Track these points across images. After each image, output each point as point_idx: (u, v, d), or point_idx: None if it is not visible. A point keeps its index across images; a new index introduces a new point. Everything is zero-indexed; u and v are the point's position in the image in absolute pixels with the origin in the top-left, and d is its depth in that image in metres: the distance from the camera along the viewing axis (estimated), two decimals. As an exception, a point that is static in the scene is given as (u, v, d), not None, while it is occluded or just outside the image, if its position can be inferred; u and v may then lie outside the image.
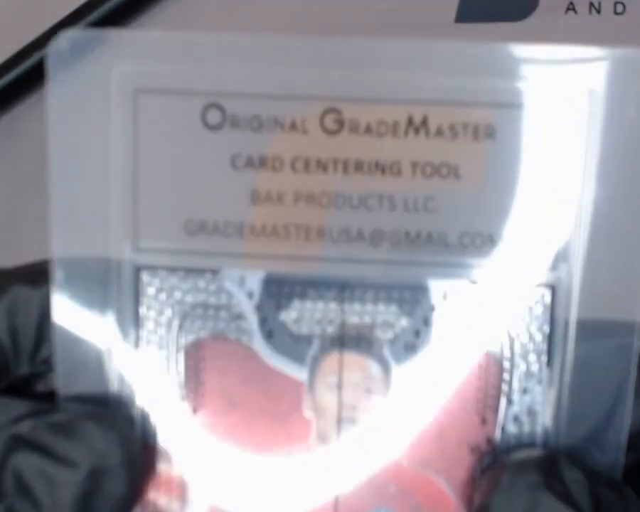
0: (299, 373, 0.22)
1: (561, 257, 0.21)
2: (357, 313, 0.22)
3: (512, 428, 0.22)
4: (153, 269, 0.22)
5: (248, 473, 0.22)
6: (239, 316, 0.22)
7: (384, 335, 0.22)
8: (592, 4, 0.45)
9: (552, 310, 0.21)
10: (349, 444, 0.22)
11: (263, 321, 0.22)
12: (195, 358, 0.22)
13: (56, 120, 0.21)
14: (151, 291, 0.22)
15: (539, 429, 0.22)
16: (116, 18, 0.39)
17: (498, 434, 0.22)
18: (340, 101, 0.21)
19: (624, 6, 0.46)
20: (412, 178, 0.21)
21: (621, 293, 0.21)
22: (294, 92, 0.21)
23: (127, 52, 0.21)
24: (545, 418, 0.22)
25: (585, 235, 0.21)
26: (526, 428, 0.22)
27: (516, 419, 0.22)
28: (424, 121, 0.21)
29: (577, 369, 0.21)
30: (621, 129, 0.20)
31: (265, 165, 0.21)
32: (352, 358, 0.22)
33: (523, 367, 0.21)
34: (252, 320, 0.22)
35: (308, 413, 0.22)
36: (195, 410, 0.22)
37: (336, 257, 0.21)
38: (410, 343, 0.22)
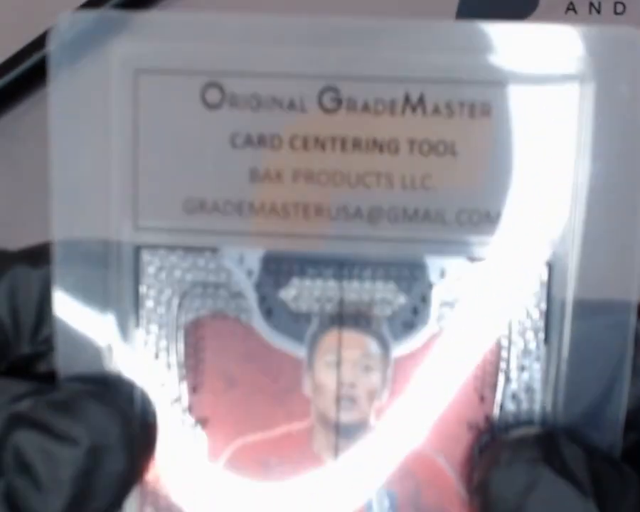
0: (298, 351, 0.22)
1: (558, 234, 0.21)
2: (355, 291, 0.22)
3: (510, 406, 0.22)
4: (153, 248, 0.22)
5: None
6: (238, 295, 0.22)
7: (382, 312, 0.22)
8: (591, 4, 0.46)
9: (549, 287, 0.21)
10: (346, 425, 0.22)
11: (262, 299, 0.22)
12: (194, 336, 0.22)
13: (57, 101, 0.21)
14: (151, 270, 0.22)
15: (537, 407, 0.22)
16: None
17: (496, 412, 0.22)
18: (339, 80, 0.21)
19: (624, 6, 0.46)
20: (409, 155, 0.21)
21: (618, 272, 0.21)
22: (293, 71, 0.21)
23: (127, 32, 0.21)
24: (543, 395, 0.22)
25: (581, 211, 0.21)
26: (524, 406, 0.22)
27: (514, 396, 0.22)
28: (421, 99, 0.21)
29: (575, 346, 0.21)
30: (614, 106, 0.21)
31: (264, 143, 0.21)
32: (351, 336, 0.22)
33: (520, 344, 0.22)
34: (252, 298, 0.22)
35: (307, 391, 0.22)
36: (194, 389, 0.22)
37: (334, 235, 0.21)
38: (408, 321, 0.22)
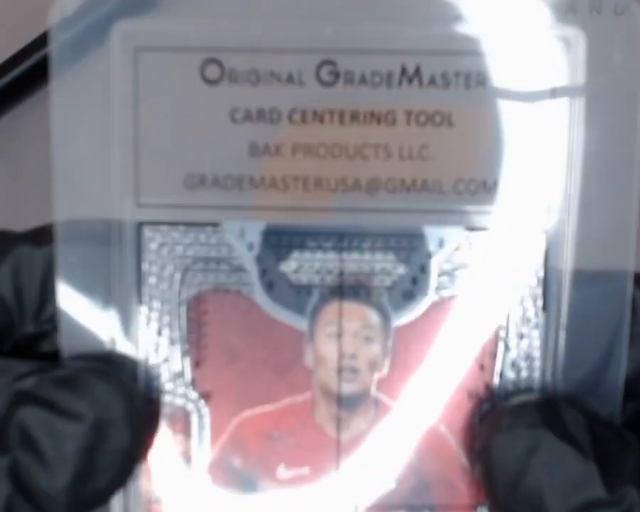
0: (299, 323, 0.22)
1: (554, 202, 0.21)
2: (355, 262, 0.22)
3: (510, 374, 0.22)
4: (154, 224, 0.22)
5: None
6: (239, 269, 0.22)
7: (382, 283, 0.22)
8: (592, 4, 0.46)
9: (546, 255, 0.22)
10: (348, 395, 0.22)
11: (263, 273, 0.22)
12: (197, 311, 0.22)
13: (58, 80, 0.22)
14: (153, 246, 0.22)
15: (536, 375, 0.22)
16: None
17: (496, 381, 0.22)
18: (336, 53, 0.21)
19: (624, 6, 0.46)
20: (406, 126, 0.21)
21: (615, 240, 0.22)
22: (291, 46, 0.21)
23: (127, 11, 0.21)
24: (543, 363, 0.22)
25: (577, 178, 0.21)
26: (524, 373, 0.22)
27: (514, 364, 0.22)
28: (417, 71, 0.21)
29: (573, 314, 0.22)
30: (608, 72, 0.21)
31: (263, 118, 0.22)
32: (351, 307, 0.22)
33: (519, 312, 0.22)
34: (253, 272, 0.22)
35: (308, 363, 0.22)
36: (197, 364, 0.22)
37: (333, 207, 0.22)
38: (408, 291, 0.22)
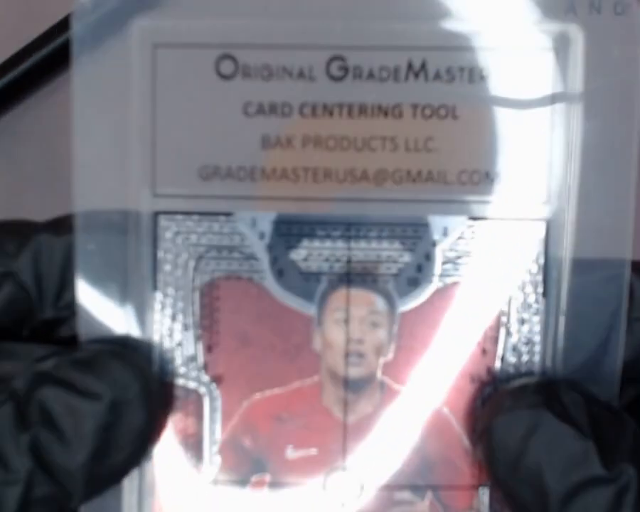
0: (308, 309, 0.23)
1: (554, 192, 0.22)
2: (362, 251, 0.23)
3: (511, 358, 0.23)
4: (170, 214, 0.23)
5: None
6: (251, 257, 0.23)
7: (388, 270, 0.23)
8: (592, 4, 0.47)
9: (546, 243, 0.22)
10: (354, 379, 0.23)
11: (274, 261, 0.23)
12: (210, 297, 0.23)
13: (80, 75, 0.23)
14: (168, 235, 0.23)
15: (537, 359, 0.23)
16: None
17: (498, 364, 0.23)
18: (345, 49, 0.22)
19: (625, 6, 0.47)
20: (412, 119, 0.22)
21: (613, 228, 0.22)
22: (302, 42, 0.22)
23: (146, 9, 0.22)
24: (543, 348, 0.23)
25: (576, 169, 0.22)
26: (525, 358, 0.23)
27: (515, 349, 0.23)
28: (423, 66, 0.22)
29: (572, 300, 0.22)
30: (607, 72, 0.22)
31: (275, 111, 0.22)
32: (358, 294, 0.23)
33: (520, 298, 0.23)
34: (264, 260, 0.23)
35: (317, 347, 0.23)
36: (210, 348, 0.23)
37: (342, 197, 0.23)
38: (413, 278, 0.23)
